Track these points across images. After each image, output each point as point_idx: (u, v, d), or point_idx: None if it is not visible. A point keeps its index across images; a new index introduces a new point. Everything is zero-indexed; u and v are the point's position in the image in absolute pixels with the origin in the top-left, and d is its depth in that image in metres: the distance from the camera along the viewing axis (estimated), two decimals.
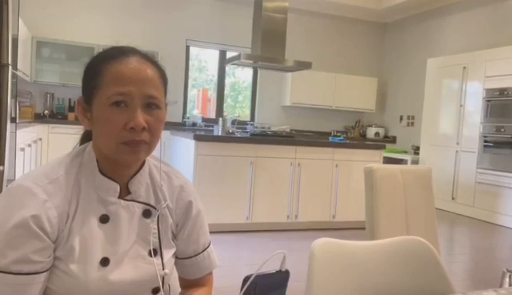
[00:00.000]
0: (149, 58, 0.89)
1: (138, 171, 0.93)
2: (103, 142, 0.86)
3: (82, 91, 0.90)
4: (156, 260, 0.92)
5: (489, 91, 5.60)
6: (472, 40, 6.35)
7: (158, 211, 0.94)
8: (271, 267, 0.75)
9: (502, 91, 5.42)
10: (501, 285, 1.17)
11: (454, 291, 0.97)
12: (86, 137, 0.97)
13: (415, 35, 7.55)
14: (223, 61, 7.20)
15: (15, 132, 2.50)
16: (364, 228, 2.11)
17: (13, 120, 2.28)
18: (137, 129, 0.83)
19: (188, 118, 6.99)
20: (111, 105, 0.83)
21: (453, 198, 6.02)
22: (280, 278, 0.76)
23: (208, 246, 1.04)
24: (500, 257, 4.14)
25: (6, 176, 1.81)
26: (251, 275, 0.70)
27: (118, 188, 0.90)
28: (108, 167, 0.90)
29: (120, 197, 0.90)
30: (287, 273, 0.77)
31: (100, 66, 0.86)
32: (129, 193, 0.92)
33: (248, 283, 0.69)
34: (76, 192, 0.87)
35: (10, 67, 1.82)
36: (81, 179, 0.88)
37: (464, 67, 5.99)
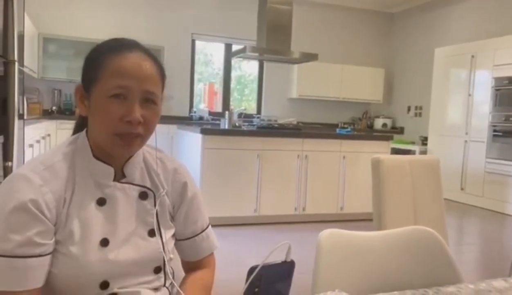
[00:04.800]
0: (150, 54, 0.92)
1: (131, 156, 0.96)
2: (98, 132, 0.89)
3: (82, 78, 0.92)
4: (156, 240, 0.94)
5: (498, 80, 5.53)
6: (480, 29, 6.27)
7: (158, 197, 0.97)
8: (277, 258, 0.74)
9: (511, 79, 5.35)
10: (510, 274, 1.17)
11: (463, 281, 0.97)
12: (79, 127, 1.00)
13: (422, 24, 7.46)
14: (228, 55, 7.18)
15: (23, 129, 2.51)
16: (372, 220, 2.10)
17: (21, 117, 2.29)
18: (133, 123, 0.86)
19: (195, 112, 6.99)
20: (110, 97, 0.86)
21: (462, 188, 5.98)
22: (286, 269, 0.76)
23: (206, 227, 1.06)
24: (509, 246, 4.11)
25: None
26: (257, 266, 0.70)
27: (112, 171, 0.92)
28: (102, 153, 0.92)
29: (115, 180, 0.93)
30: (292, 263, 0.77)
31: (101, 58, 0.88)
32: (124, 176, 0.95)
33: (253, 274, 0.69)
34: (72, 177, 0.89)
35: (16, 63, 1.82)
36: (76, 164, 0.91)
37: (472, 56, 5.92)
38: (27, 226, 0.80)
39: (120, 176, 0.94)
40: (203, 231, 1.05)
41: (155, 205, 0.96)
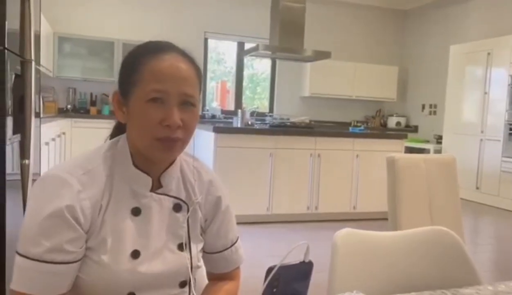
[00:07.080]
0: (186, 55, 0.90)
1: (170, 165, 0.94)
2: (138, 137, 0.87)
3: (119, 84, 0.90)
4: (185, 254, 0.92)
5: None
6: (497, 25, 6.16)
7: (191, 207, 0.95)
8: (294, 258, 0.74)
9: None
10: None
11: (481, 282, 0.95)
12: (117, 130, 0.98)
13: (437, 21, 7.36)
14: (241, 53, 7.18)
15: (39, 127, 2.55)
16: (386, 219, 2.08)
17: (37, 115, 2.32)
18: (172, 127, 0.84)
19: (207, 110, 7.02)
20: (148, 101, 0.83)
21: (477, 188, 5.90)
22: (304, 269, 0.76)
23: (236, 241, 1.05)
24: None
25: (31, 169, 1.85)
26: (275, 266, 0.70)
27: (150, 181, 0.90)
28: (141, 161, 0.90)
29: (151, 190, 0.91)
30: (310, 264, 0.76)
31: (138, 61, 0.86)
32: (160, 186, 0.93)
33: (271, 274, 0.69)
34: (110, 184, 0.87)
35: (33, 63, 1.84)
36: (115, 171, 0.89)
37: (489, 53, 5.82)
38: (59, 233, 0.80)
39: (156, 186, 0.92)
40: (232, 244, 1.03)
41: (188, 218, 0.95)
